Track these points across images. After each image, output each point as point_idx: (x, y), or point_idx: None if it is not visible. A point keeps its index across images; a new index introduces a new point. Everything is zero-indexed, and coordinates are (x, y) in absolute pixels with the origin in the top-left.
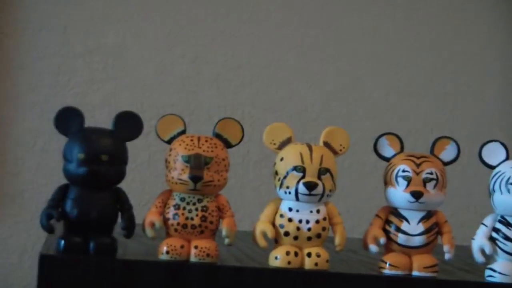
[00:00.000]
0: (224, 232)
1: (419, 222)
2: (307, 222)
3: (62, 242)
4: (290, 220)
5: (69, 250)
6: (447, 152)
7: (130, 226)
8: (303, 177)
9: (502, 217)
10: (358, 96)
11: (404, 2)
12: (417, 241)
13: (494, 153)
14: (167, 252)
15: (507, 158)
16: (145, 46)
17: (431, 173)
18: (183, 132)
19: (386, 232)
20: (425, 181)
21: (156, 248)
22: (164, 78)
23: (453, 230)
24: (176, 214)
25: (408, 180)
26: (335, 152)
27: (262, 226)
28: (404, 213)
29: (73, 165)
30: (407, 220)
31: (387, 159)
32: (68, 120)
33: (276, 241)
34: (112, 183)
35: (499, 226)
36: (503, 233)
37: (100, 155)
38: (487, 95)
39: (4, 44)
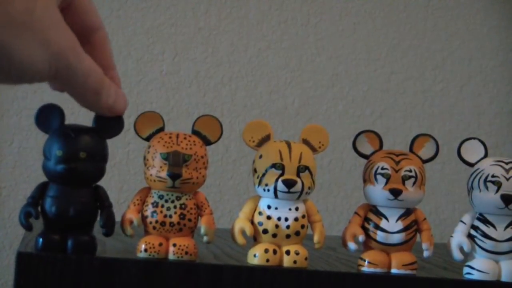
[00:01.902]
0: (202, 230)
1: (398, 219)
2: (286, 219)
3: (40, 240)
4: (268, 217)
5: (47, 248)
6: (426, 150)
7: (109, 224)
8: (282, 174)
9: (480, 214)
10: (337, 94)
11: (384, 0)
12: (396, 238)
13: (473, 151)
14: (145, 250)
15: (486, 156)
16: (124, 43)
17: (410, 171)
18: (161, 129)
19: (365, 230)
20: (404, 179)
21: (135, 246)
22: (143, 75)
23: (432, 227)
24: (154, 211)
25: (387, 177)
26: (314, 150)
27: (240, 224)
28: (383, 210)
29: (52, 162)
30: (386, 218)
31: (366, 157)
32: (48, 117)
33: (254, 239)
34: (91, 180)
35: (477, 223)
36: (482, 231)
37: (78, 152)
38: (466, 92)
39: None
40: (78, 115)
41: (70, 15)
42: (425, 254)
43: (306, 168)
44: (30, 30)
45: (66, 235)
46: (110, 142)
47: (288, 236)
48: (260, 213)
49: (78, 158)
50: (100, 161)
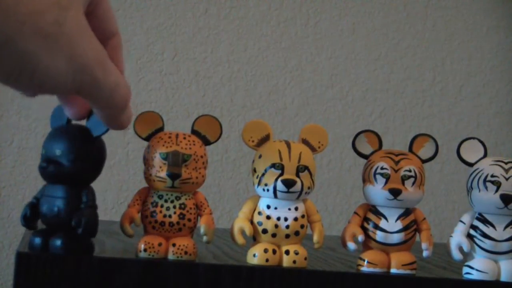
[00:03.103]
0: (202, 230)
1: (397, 219)
2: (285, 219)
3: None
4: (268, 217)
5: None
6: (426, 150)
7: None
8: (281, 174)
9: (480, 214)
10: (337, 94)
11: (383, 0)
12: (395, 238)
13: (472, 151)
14: (145, 250)
15: (485, 156)
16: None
17: (410, 171)
18: (161, 129)
19: (365, 230)
20: (403, 179)
21: (134, 246)
22: (143, 75)
23: (432, 227)
24: (154, 211)
25: (387, 177)
26: (313, 149)
27: (240, 224)
28: (382, 210)
29: (40, 161)
30: (385, 218)
31: (365, 157)
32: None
33: (254, 239)
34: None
35: (477, 223)
36: (481, 231)
37: (55, 151)
38: (465, 92)
39: None
40: None
41: (92, 21)
42: (425, 254)
43: (306, 168)
44: (57, 42)
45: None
46: (109, 142)
47: (287, 236)
48: (259, 213)
49: (55, 157)
50: (84, 161)
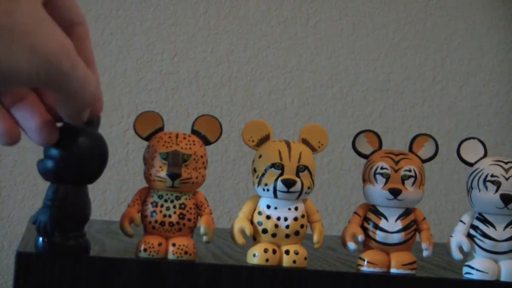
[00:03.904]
0: (202, 230)
1: (397, 219)
2: (285, 219)
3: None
4: (268, 217)
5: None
6: (426, 150)
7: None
8: (281, 174)
9: (480, 214)
10: (337, 93)
11: (383, 0)
12: (396, 238)
13: (472, 151)
14: (145, 250)
15: (485, 156)
16: (124, 42)
17: (410, 171)
18: (161, 129)
19: (365, 230)
20: (403, 179)
21: (134, 246)
22: (143, 75)
23: (432, 227)
24: (154, 211)
25: (387, 177)
26: (313, 149)
27: (240, 224)
28: (382, 210)
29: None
30: (385, 218)
31: (365, 156)
32: None
33: (254, 239)
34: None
35: (477, 223)
36: (481, 230)
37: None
38: (465, 92)
39: None
40: None
41: (51, 10)
42: (425, 253)
43: (306, 167)
44: (11, 33)
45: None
46: (110, 142)
47: (287, 235)
48: (259, 213)
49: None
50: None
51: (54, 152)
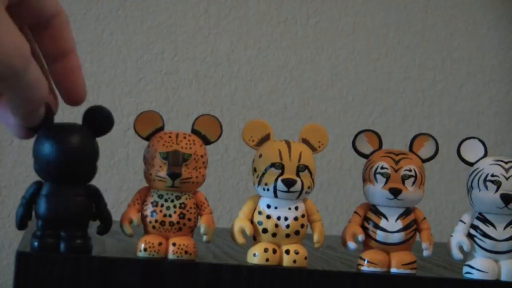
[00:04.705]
0: (202, 229)
1: (397, 219)
2: (286, 219)
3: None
4: (268, 217)
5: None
6: (426, 149)
7: (108, 223)
8: (281, 174)
9: (480, 214)
10: (337, 93)
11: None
12: (396, 238)
13: (472, 150)
14: (145, 250)
15: (485, 155)
16: (124, 42)
17: (410, 170)
18: (161, 129)
19: (365, 229)
20: (403, 178)
21: (134, 246)
22: (143, 74)
23: (432, 227)
24: (154, 211)
25: (387, 177)
26: (313, 149)
27: (240, 223)
28: (382, 210)
29: (46, 160)
30: (385, 217)
31: (365, 156)
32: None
33: (254, 238)
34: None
35: (477, 223)
36: (481, 230)
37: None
38: (466, 92)
39: None
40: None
41: (25, 7)
42: (425, 253)
43: (306, 167)
44: None
45: (60, 236)
46: (110, 142)
47: (287, 235)
48: (259, 213)
49: (72, 157)
50: (92, 160)
51: (41, 150)
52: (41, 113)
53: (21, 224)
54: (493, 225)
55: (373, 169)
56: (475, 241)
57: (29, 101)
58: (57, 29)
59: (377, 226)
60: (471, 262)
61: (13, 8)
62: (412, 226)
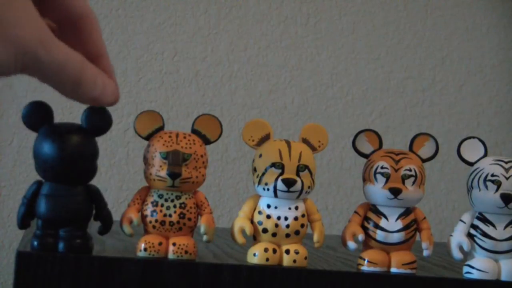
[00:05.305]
0: (202, 229)
1: (397, 218)
2: (286, 219)
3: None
4: (268, 217)
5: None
6: (426, 149)
7: (108, 223)
8: (281, 173)
9: (480, 213)
10: (337, 93)
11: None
12: (396, 237)
13: (472, 150)
14: (145, 249)
15: (485, 155)
16: (123, 42)
17: (410, 170)
18: (161, 129)
19: (365, 229)
20: (403, 178)
21: (134, 245)
22: (143, 74)
23: (432, 226)
24: (154, 211)
25: (387, 176)
26: (314, 149)
27: (240, 223)
28: (382, 209)
29: (47, 161)
30: (385, 217)
31: (366, 156)
32: (37, 115)
33: (254, 238)
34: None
35: (477, 222)
36: (481, 230)
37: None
38: (466, 91)
39: None
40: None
41: (53, 2)
42: (425, 253)
43: (306, 167)
44: None
45: (59, 236)
46: (110, 141)
47: (287, 235)
48: (259, 212)
49: (71, 157)
50: (92, 160)
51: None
52: (90, 92)
53: (23, 223)
54: (493, 225)
55: (373, 168)
56: (475, 241)
57: (61, 83)
58: (85, 32)
59: (377, 226)
60: (471, 262)
61: (41, 1)
62: (412, 226)
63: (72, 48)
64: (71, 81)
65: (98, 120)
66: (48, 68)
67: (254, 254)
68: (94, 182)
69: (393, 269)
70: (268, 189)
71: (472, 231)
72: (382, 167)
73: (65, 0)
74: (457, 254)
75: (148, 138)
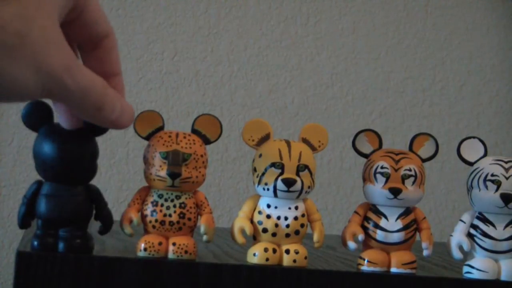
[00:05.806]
0: (202, 229)
1: (397, 218)
2: (286, 218)
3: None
4: (268, 216)
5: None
6: (426, 149)
7: (108, 222)
8: (281, 173)
9: (480, 213)
10: (337, 93)
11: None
12: (396, 237)
13: (472, 150)
14: (145, 249)
15: (485, 155)
16: (124, 42)
17: (410, 170)
18: (161, 129)
19: (365, 229)
20: (403, 178)
21: (134, 245)
22: (143, 74)
23: (432, 226)
24: (154, 211)
25: (387, 176)
26: (314, 149)
27: (240, 223)
28: (382, 209)
29: (47, 160)
30: (385, 217)
31: (365, 156)
32: (36, 115)
33: (254, 238)
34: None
35: (477, 222)
36: (481, 230)
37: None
38: (466, 91)
39: None
40: None
41: (79, 26)
42: (425, 253)
43: (306, 167)
44: (20, 53)
45: (59, 236)
46: (110, 142)
47: (287, 235)
48: (259, 212)
49: (70, 156)
50: (92, 160)
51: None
52: (109, 116)
53: (23, 223)
54: (493, 225)
55: (373, 168)
56: (475, 241)
57: (83, 108)
58: (105, 51)
59: (377, 226)
60: (471, 262)
61: (67, 24)
62: (412, 226)
63: (91, 66)
64: (94, 106)
65: None
66: (72, 94)
67: (254, 254)
68: (94, 182)
69: (393, 269)
70: (268, 189)
71: (472, 231)
72: (382, 167)
73: (91, 21)
74: (457, 254)
75: (148, 138)
